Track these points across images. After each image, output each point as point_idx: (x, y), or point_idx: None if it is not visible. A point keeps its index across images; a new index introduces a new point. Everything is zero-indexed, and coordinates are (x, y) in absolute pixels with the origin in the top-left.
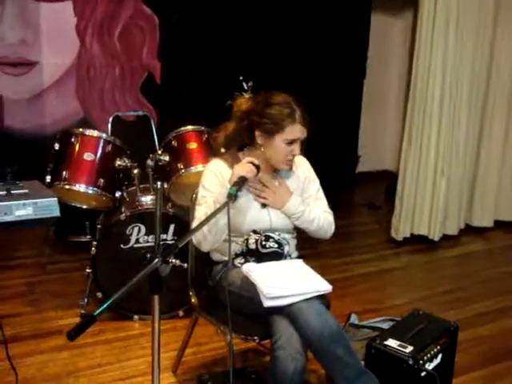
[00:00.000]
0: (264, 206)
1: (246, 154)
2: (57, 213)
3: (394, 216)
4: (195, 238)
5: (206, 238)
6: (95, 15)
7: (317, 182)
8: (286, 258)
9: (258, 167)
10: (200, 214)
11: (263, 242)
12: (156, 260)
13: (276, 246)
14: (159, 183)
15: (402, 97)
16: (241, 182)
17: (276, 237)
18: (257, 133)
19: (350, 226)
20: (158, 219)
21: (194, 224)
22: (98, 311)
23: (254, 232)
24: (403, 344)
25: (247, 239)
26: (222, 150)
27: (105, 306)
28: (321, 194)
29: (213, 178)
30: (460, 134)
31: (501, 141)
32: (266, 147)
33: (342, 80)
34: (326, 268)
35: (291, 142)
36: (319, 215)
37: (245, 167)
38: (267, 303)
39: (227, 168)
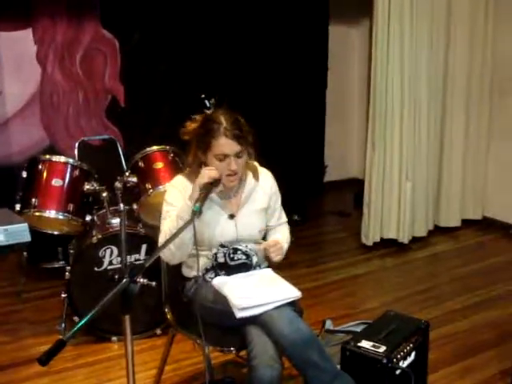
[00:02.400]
0: (231, 217)
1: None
2: (28, 238)
3: (363, 222)
4: (164, 255)
5: (174, 254)
6: (55, 42)
7: (279, 195)
8: (255, 268)
9: (218, 180)
10: (165, 227)
11: (231, 255)
12: (124, 280)
13: (244, 257)
14: (122, 205)
15: (365, 104)
16: (207, 190)
17: (243, 248)
18: (198, 152)
19: (320, 235)
20: (124, 240)
21: (160, 238)
22: (68, 335)
23: (222, 246)
24: (376, 344)
25: (216, 253)
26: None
27: (75, 329)
28: (280, 205)
29: (175, 192)
30: (421, 137)
31: (461, 140)
32: (207, 165)
33: (305, 91)
34: (298, 277)
35: (223, 158)
36: (288, 240)
37: (204, 174)
38: (239, 314)
39: (189, 183)
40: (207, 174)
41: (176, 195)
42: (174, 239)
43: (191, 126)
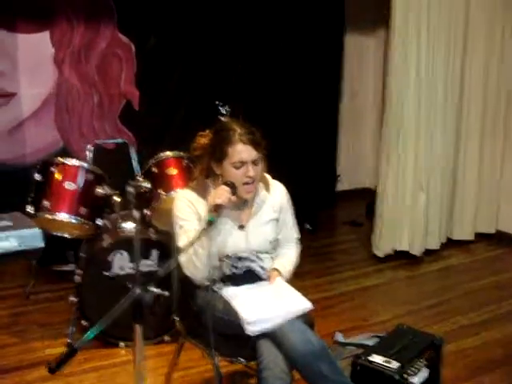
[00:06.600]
0: (241, 227)
1: (211, 182)
2: (41, 243)
3: (374, 233)
4: (188, 271)
5: (197, 267)
6: (72, 45)
7: (291, 210)
8: (261, 272)
9: (234, 187)
10: (183, 243)
11: (235, 264)
12: (136, 289)
13: (248, 262)
14: (136, 212)
15: (379, 114)
16: (218, 209)
17: (246, 255)
18: (212, 164)
19: (332, 245)
20: (137, 249)
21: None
22: (79, 343)
23: (227, 257)
24: (388, 359)
25: (221, 266)
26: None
27: (86, 337)
28: (294, 221)
29: (185, 207)
30: (436, 149)
31: (476, 153)
32: (223, 177)
33: (318, 100)
34: (309, 288)
35: (240, 165)
36: (294, 262)
37: (217, 193)
38: (250, 328)
39: (196, 196)
40: (221, 197)
41: (186, 209)
42: (189, 249)
43: (202, 140)
